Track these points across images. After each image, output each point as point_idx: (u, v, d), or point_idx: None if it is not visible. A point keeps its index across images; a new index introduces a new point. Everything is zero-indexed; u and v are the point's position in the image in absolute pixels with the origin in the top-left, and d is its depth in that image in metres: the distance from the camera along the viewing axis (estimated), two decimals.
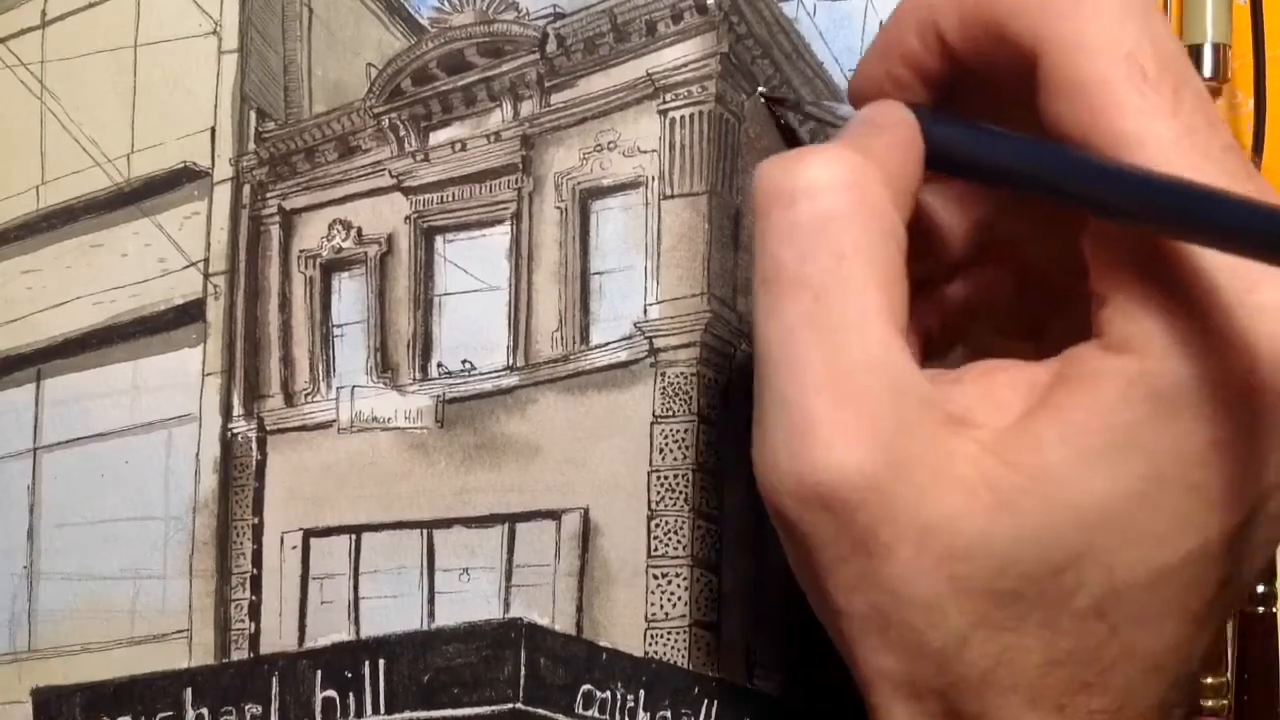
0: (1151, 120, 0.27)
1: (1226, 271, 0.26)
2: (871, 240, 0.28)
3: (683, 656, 0.39)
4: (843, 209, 0.28)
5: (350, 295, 0.43)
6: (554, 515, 0.41)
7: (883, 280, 0.28)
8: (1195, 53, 0.44)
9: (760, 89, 0.40)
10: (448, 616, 0.41)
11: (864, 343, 0.27)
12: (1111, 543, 0.27)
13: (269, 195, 0.44)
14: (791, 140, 0.41)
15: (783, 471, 0.28)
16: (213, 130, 0.44)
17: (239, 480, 0.43)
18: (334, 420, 0.42)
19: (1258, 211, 0.25)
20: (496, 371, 0.42)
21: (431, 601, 0.41)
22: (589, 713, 0.40)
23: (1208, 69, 0.44)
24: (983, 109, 0.31)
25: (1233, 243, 0.25)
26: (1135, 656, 0.28)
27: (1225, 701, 0.43)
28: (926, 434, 0.28)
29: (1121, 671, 0.28)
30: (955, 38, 0.30)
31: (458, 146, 0.43)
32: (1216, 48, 0.44)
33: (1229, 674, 0.43)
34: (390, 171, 0.43)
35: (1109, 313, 0.28)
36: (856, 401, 0.27)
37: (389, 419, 0.42)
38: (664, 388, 0.40)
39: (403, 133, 0.43)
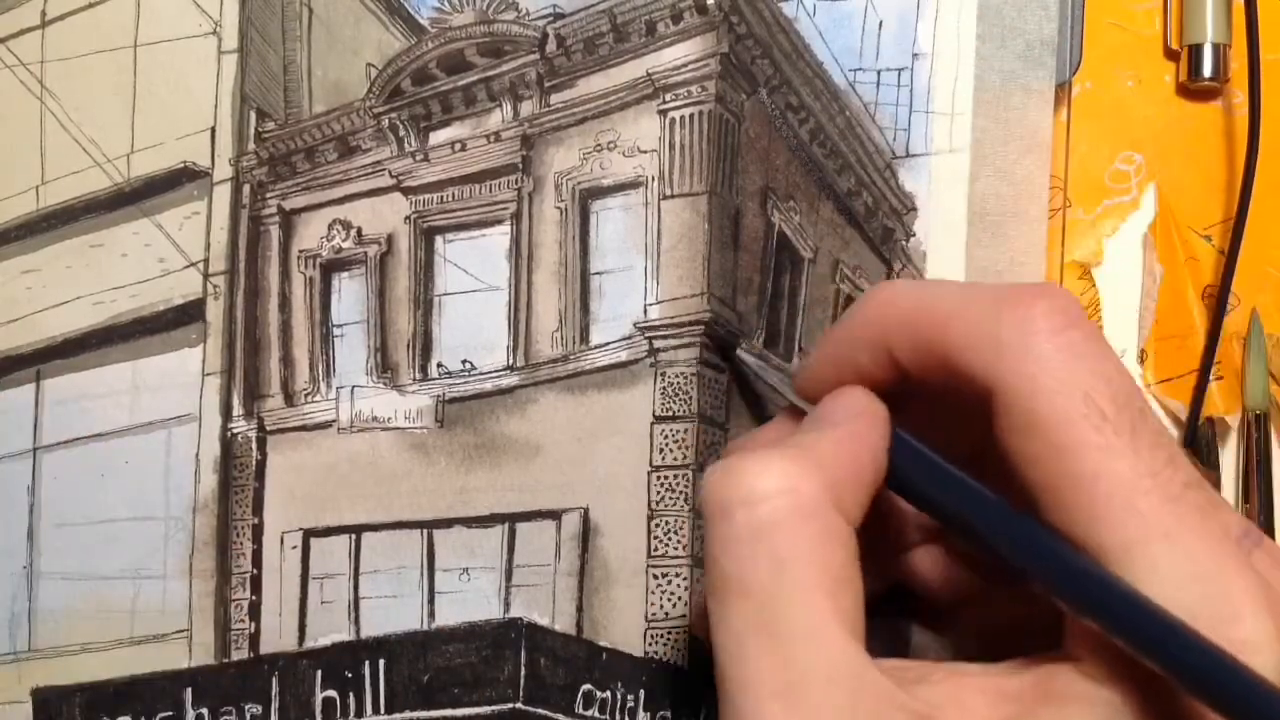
0: (1112, 460, 0.27)
1: (1206, 606, 0.26)
2: (811, 545, 0.28)
3: (683, 656, 0.39)
4: (779, 517, 0.28)
5: (350, 295, 0.43)
6: (554, 515, 0.41)
7: (827, 582, 0.28)
8: (1195, 53, 0.44)
9: (738, 351, 0.40)
10: (448, 616, 0.41)
11: (814, 648, 0.28)
12: None
13: (269, 195, 0.44)
14: (746, 388, 0.41)
15: None
16: (213, 130, 0.44)
17: (239, 480, 0.43)
18: (334, 420, 0.42)
19: (1206, 653, 0.26)
20: (496, 371, 0.42)
21: (431, 601, 0.41)
22: (589, 712, 0.40)
23: (1208, 69, 0.44)
24: (936, 419, 0.32)
25: (1176, 674, 0.26)
26: None
27: None
28: None
29: None
30: (908, 361, 0.30)
31: (458, 146, 0.43)
32: (1216, 48, 0.44)
33: None
34: (390, 171, 0.43)
35: (1085, 641, 0.28)
36: (811, 710, 0.27)
37: (389, 419, 0.42)
38: (664, 387, 0.40)
39: (402, 133, 0.43)
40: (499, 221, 0.42)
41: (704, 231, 0.40)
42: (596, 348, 0.41)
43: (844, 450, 0.30)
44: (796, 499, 0.28)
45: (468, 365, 0.42)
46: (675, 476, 0.40)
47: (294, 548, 0.43)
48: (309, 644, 0.42)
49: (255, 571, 0.43)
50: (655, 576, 0.40)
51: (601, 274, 0.41)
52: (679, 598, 0.40)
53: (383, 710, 0.41)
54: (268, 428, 0.43)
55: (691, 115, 0.40)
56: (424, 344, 0.42)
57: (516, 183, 0.42)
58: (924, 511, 0.32)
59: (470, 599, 0.41)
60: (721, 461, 0.30)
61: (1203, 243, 0.45)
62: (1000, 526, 0.29)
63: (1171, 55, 0.45)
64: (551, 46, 0.42)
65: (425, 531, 0.41)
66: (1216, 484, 0.44)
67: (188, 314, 0.44)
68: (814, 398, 0.32)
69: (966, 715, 0.28)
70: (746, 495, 0.28)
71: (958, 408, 0.30)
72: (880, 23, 0.42)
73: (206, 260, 0.44)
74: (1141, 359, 0.44)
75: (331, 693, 0.41)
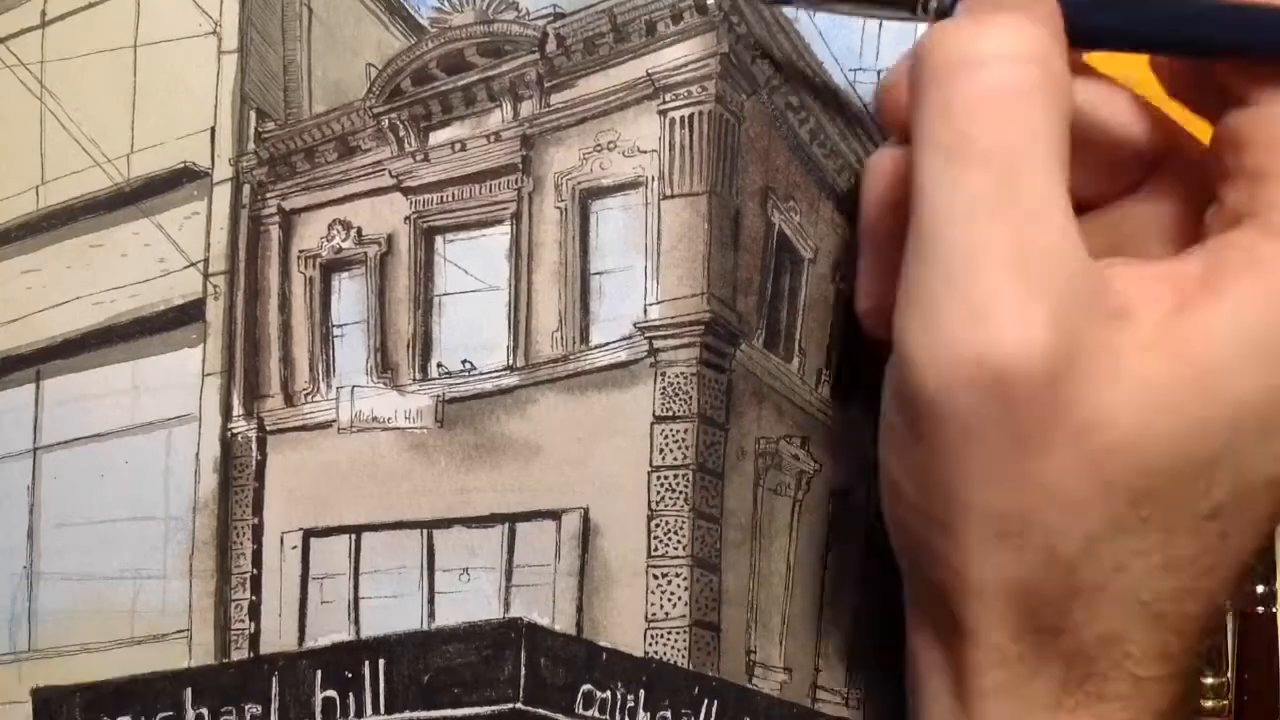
0: None
1: None
2: (1057, 119, 0.27)
3: (683, 656, 0.39)
4: (1033, 82, 0.27)
5: (350, 295, 0.43)
6: (554, 515, 0.41)
7: (1063, 162, 0.27)
8: None
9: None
10: (448, 616, 0.41)
11: (1049, 227, 0.27)
12: (1251, 441, 0.27)
13: (269, 195, 0.44)
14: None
15: (955, 351, 0.26)
16: (212, 130, 0.44)
17: (239, 480, 0.43)
18: (334, 420, 0.42)
19: None
20: (496, 371, 0.42)
21: (431, 601, 0.41)
22: (589, 713, 0.40)
23: None
24: None
25: None
26: (1231, 563, 0.28)
27: (1226, 702, 0.43)
28: (1098, 328, 0.27)
29: (1217, 577, 0.28)
30: None
31: (457, 146, 0.43)
32: None
33: (1229, 674, 0.43)
34: (390, 171, 0.43)
35: (1270, 193, 0.27)
36: (1042, 287, 0.26)
37: (389, 419, 0.42)
38: (664, 388, 0.40)
39: (402, 133, 0.43)
40: (499, 221, 0.42)
41: (704, 231, 0.40)
42: (596, 348, 0.41)
43: (1056, 22, 0.28)
44: (1049, 67, 0.27)
45: (468, 365, 0.42)
46: (675, 476, 0.40)
47: (294, 548, 0.43)
48: (309, 644, 0.42)
49: (255, 571, 0.43)
50: (655, 577, 0.40)
51: (601, 274, 0.41)
52: (679, 598, 0.40)
53: (383, 710, 0.41)
54: (268, 428, 0.43)
55: (691, 115, 0.40)
56: (424, 344, 0.42)
57: (516, 183, 0.42)
58: (1110, 48, 0.31)
59: (470, 599, 0.41)
60: (949, 22, 0.28)
61: None
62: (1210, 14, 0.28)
63: None
64: (551, 46, 0.42)
65: (425, 531, 0.41)
66: None
67: (188, 314, 0.43)
68: None
69: (1154, 302, 0.27)
70: (997, 53, 0.27)
71: None
72: (880, 23, 0.42)
73: (206, 260, 0.44)
74: None
75: (331, 693, 0.41)
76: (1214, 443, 0.27)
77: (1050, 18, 0.28)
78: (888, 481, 0.30)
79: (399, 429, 0.42)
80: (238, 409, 0.43)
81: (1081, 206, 0.34)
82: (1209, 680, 0.42)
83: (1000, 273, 0.26)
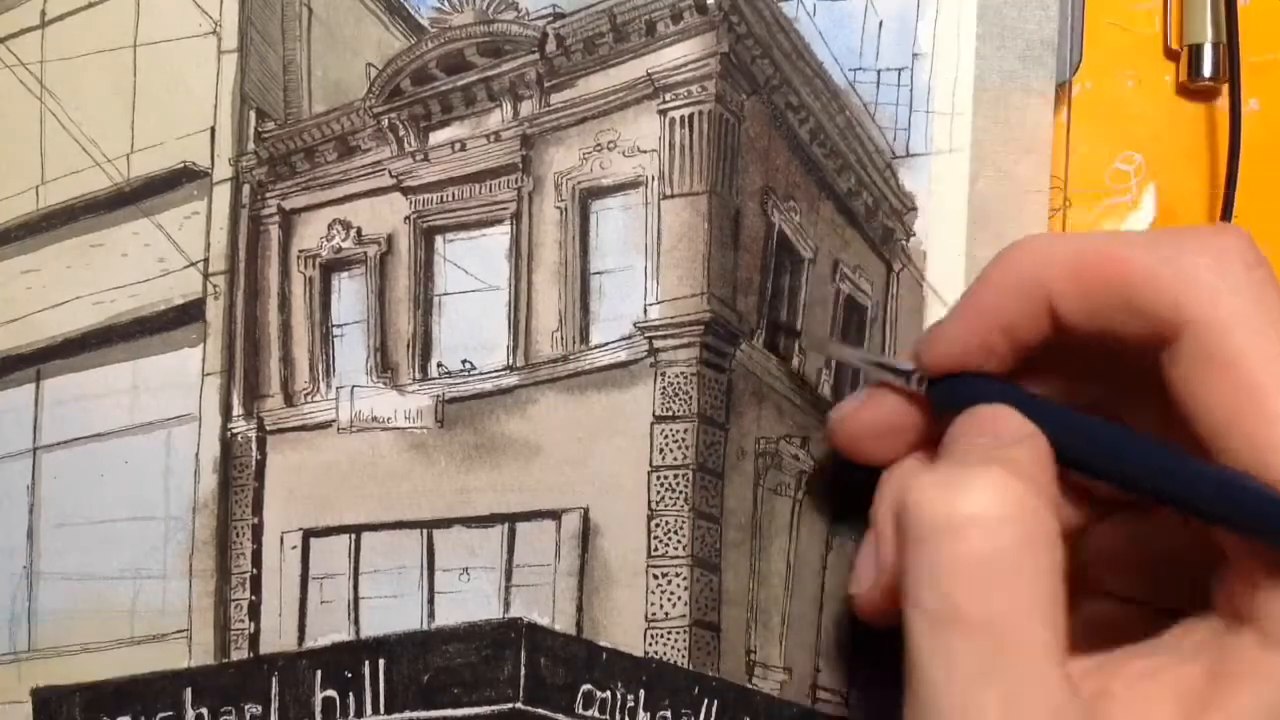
0: None
1: None
2: (1047, 576, 0.27)
3: (683, 656, 0.39)
4: (1015, 544, 0.27)
5: (350, 295, 0.43)
6: (554, 515, 0.41)
7: (1056, 614, 0.27)
8: (1195, 53, 0.44)
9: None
10: (448, 616, 0.41)
11: (1041, 691, 0.27)
12: None
13: (268, 195, 0.44)
14: (800, 382, 0.41)
15: None
16: (212, 130, 0.44)
17: (239, 480, 0.43)
18: (334, 420, 0.42)
19: None
20: (496, 371, 0.42)
21: (431, 601, 0.41)
22: (589, 712, 0.40)
23: (1207, 69, 0.44)
24: (1066, 368, 0.31)
25: None
26: None
27: None
28: None
29: None
30: (1072, 309, 0.29)
31: (457, 146, 0.43)
32: (1216, 47, 0.44)
33: None
34: (390, 171, 0.43)
35: (1267, 603, 0.27)
36: None
37: (389, 419, 0.42)
38: (664, 387, 0.40)
39: (402, 133, 0.43)
40: (499, 221, 0.42)
41: (704, 231, 0.40)
42: (596, 348, 0.41)
43: (1042, 468, 0.29)
44: (1034, 526, 0.27)
45: (468, 365, 0.42)
46: (675, 476, 0.40)
47: (294, 548, 0.43)
48: (309, 644, 0.42)
49: (255, 571, 0.43)
50: (655, 576, 0.40)
51: (601, 274, 0.41)
52: (679, 598, 0.40)
53: (382, 710, 0.41)
54: (267, 427, 0.43)
55: (691, 115, 0.40)
56: (424, 344, 0.42)
57: (516, 182, 0.42)
58: (1099, 480, 0.31)
59: (470, 599, 0.41)
60: (932, 473, 0.28)
61: None
62: (1197, 481, 0.28)
63: (1171, 55, 0.45)
64: (551, 46, 0.42)
65: (425, 531, 0.41)
66: None
67: (187, 314, 0.44)
68: (944, 364, 0.31)
69: None
70: (980, 516, 0.27)
71: (1088, 364, 0.30)
72: (880, 23, 0.42)
73: (206, 260, 0.44)
74: None
75: (331, 693, 0.41)
76: None
77: (1032, 463, 0.29)
78: None
79: (399, 429, 0.42)
80: (238, 409, 0.43)
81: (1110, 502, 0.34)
82: None
83: None
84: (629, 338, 0.41)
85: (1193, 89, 0.45)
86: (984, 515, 0.27)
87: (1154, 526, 0.33)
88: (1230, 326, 0.27)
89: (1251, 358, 0.27)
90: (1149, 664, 0.29)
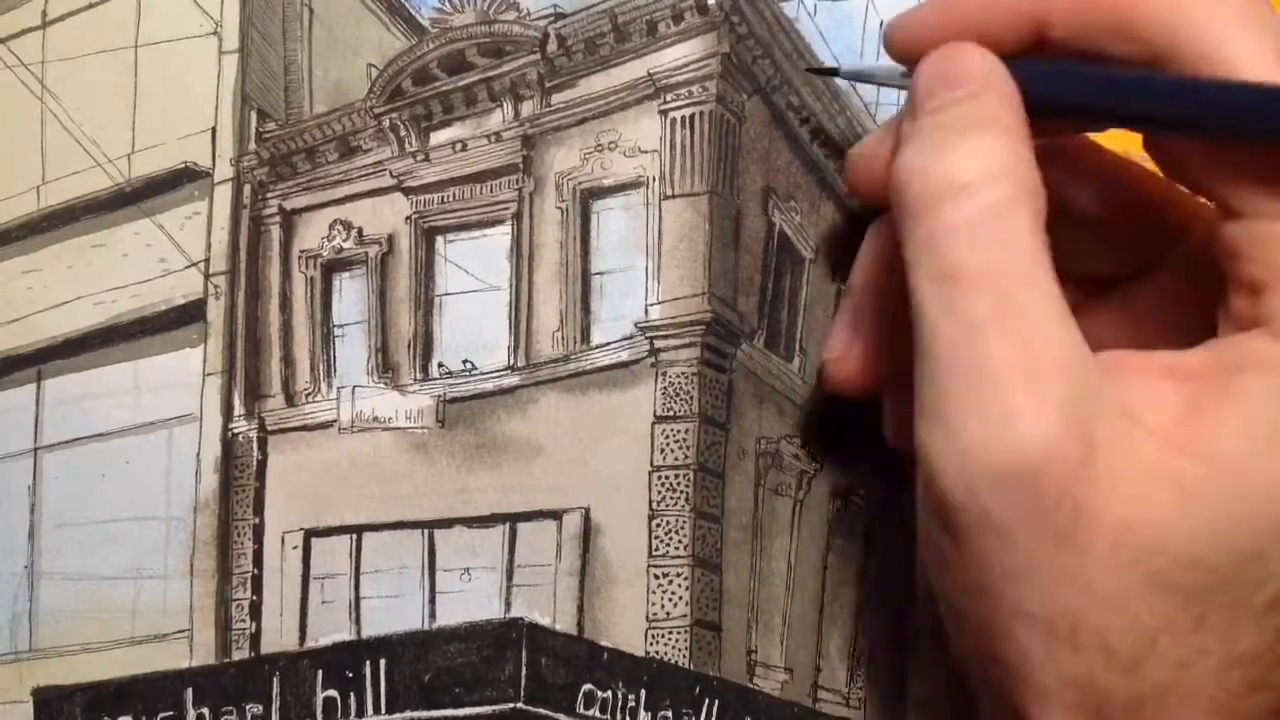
0: None
1: None
2: (1037, 224, 0.28)
3: (684, 656, 0.39)
4: (1008, 199, 0.28)
5: (351, 295, 0.43)
6: (555, 515, 0.41)
7: (1048, 260, 0.28)
8: None
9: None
10: (449, 616, 0.41)
11: (1050, 332, 0.27)
12: None
13: (269, 195, 0.44)
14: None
15: (981, 458, 0.27)
16: (213, 130, 0.44)
17: (240, 480, 0.43)
18: (335, 420, 0.43)
19: None
20: (497, 371, 0.42)
21: (432, 601, 0.41)
22: (590, 712, 0.40)
23: None
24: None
25: None
26: None
27: None
28: (1112, 424, 0.27)
29: None
30: (1063, 28, 0.29)
31: (458, 147, 0.43)
32: None
33: None
34: (391, 172, 0.43)
35: (1272, 304, 0.28)
36: (1054, 387, 0.27)
37: (390, 419, 0.42)
38: (665, 388, 0.40)
39: (403, 133, 0.43)
40: (500, 221, 0.42)
41: (705, 232, 0.40)
42: (597, 348, 0.41)
43: (1014, 110, 0.29)
44: (1020, 178, 0.28)
45: (469, 365, 0.42)
46: (676, 476, 0.40)
47: (295, 548, 0.43)
48: (310, 644, 0.42)
49: (256, 571, 0.43)
50: (656, 576, 0.40)
51: (602, 274, 0.41)
52: (680, 598, 0.40)
53: (384, 710, 0.41)
54: (269, 428, 0.43)
55: (692, 115, 0.40)
56: (425, 344, 0.42)
57: (517, 183, 0.42)
58: (1068, 119, 0.31)
59: (471, 599, 0.41)
60: (916, 146, 0.29)
61: None
62: (1176, 91, 0.29)
63: None
64: (552, 46, 0.42)
65: (426, 531, 0.41)
66: None
67: (189, 314, 0.44)
68: (911, 51, 0.31)
69: (1161, 402, 0.28)
70: (972, 178, 0.28)
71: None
72: (881, 23, 0.42)
73: (207, 260, 0.44)
74: None
75: (332, 692, 0.41)
76: (1257, 537, 0.27)
77: (1007, 109, 0.29)
78: (939, 594, 0.30)
79: (400, 429, 0.42)
80: (239, 409, 0.43)
81: (1100, 284, 0.34)
82: None
83: (1012, 383, 0.27)
84: (630, 338, 0.41)
85: None
86: (976, 177, 0.28)
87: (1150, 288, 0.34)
88: (1221, 36, 0.27)
89: (1245, 60, 0.27)
90: (1145, 355, 0.29)
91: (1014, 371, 0.27)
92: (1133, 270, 0.34)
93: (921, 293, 0.28)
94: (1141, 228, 0.34)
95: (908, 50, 0.32)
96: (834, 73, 0.38)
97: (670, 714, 0.40)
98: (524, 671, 0.40)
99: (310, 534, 0.42)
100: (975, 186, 0.28)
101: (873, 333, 0.35)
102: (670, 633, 0.40)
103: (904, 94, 0.32)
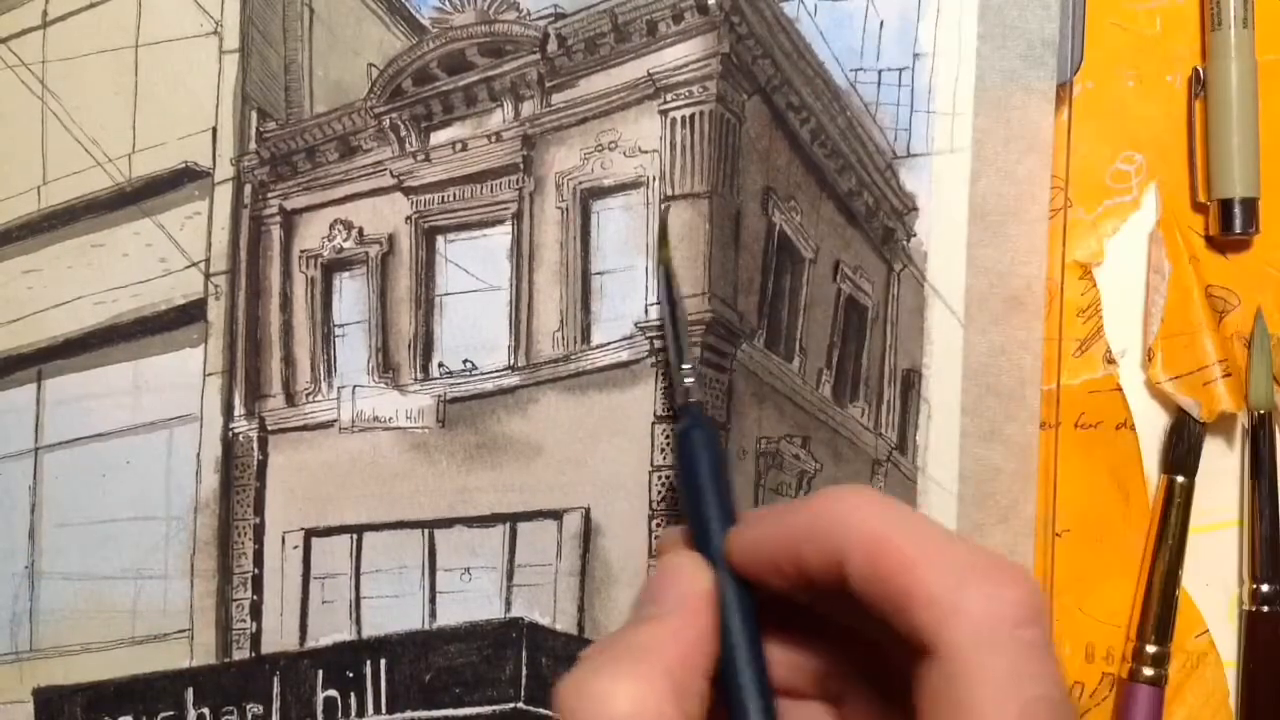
0: None
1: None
2: None
3: None
4: None
5: (351, 295, 0.43)
6: (555, 515, 0.41)
7: None
8: (1225, 207, 0.44)
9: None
10: (449, 616, 0.41)
11: None
12: None
13: (270, 195, 0.44)
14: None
15: None
16: (214, 130, 0.44)
17: (240, 480, 0.43)
18: (335, 420, 0.43)
19: None
20: (498, 371, 0.42)
21: (433, 601, 0.41)
22: None
23: (1238, 225, 0.44)
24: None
25: None
26: None
27: (1164, 671, 0.43)
28: None
29: None
30: (856, 583, 0.30)
31: (459, 146, 0.43)
32: (1245, 202, 0.44)
33: (1170, 645, 0.44)
34: (391, 171, 0.43)
35: None
36: None
37: (390, 419, 0.42)
38: (665, 387, 0.40)
39: (404, 133, 0.43)
40: (500, 221, 0.42)
41: (705, 231, 0.40)
42: (598, 347, 0.41)
43: (685, 643, 0.31)
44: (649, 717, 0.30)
45: (469, 365, 0.42)
46: (676, 476, 0.40)
47: (295, 547, 0.43)
48: (310, 643, 0.42)
49: (256, 571, 0.43)
50: None
51: (603, 274, 0.41)
52: None
53: (384, 710, 0.41)
54: (269, 427, 0.43)
55: (692, 115, 0.40)
56: (425, 344, 0.42)
57: (518, 183, 0.42)
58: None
59: (471, 599, 0.41)
60: (572, 676, 0.30)
61: (1203, 242, 0.45)
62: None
63: (1199, 208, 0.45)
64: (553, 46, 0.42)
65: (426, 531, 0.42)
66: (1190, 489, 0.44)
67: (189, 314, 0.44)
68: (743, 565, 0.32)
69: None
70: (601, 716, 0.30)
71: (859, 632, 0.31)
72: (881, 23, 0.42)
73: (208, 260, 0.44)
74: (1150, 357, 0.44)
75: (333, 692, 0.42)
76: None
77: (675, 649, 0.31)
78: None
79: (400, 429, 0.42)
80: (239, 409, 0.43)
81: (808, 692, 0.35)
82: (1151, 649, 0.43)
83: None
84: (630, 338, 0.41)
85: (1220, 242, 0.45)
86: (602, 715, 0.30)
87: None
88: (975, 678, 0.28)
89: (979, 713, 0.28)
90: None
91: None
92: (825, 693, 0.35)
93: None
94: (820, 663, 0.35)
95: (739, 564, 0.33)
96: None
97: None
98: (524, 671, 0.40)
99: (310, 534, 0.42)
100: None
101: None
102: None
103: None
